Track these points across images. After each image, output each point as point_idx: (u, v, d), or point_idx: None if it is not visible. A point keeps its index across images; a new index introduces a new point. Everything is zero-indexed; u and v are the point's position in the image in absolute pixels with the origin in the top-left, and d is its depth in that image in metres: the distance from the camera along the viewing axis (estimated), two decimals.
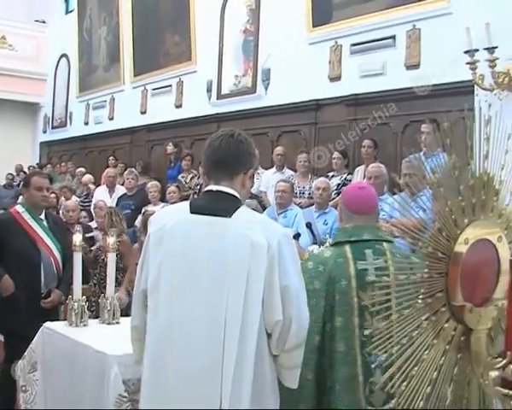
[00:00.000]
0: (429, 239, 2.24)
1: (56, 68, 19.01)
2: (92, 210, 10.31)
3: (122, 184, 11.99)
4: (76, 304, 5.02)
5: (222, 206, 3.01)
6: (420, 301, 2.20)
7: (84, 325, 5.03)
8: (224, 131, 3.18)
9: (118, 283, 6.50)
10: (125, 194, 11.28)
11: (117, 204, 10.60)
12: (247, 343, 2.86)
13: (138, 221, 8.69)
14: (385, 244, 3.61)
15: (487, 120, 2.33)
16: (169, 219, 3.08)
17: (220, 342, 2.86)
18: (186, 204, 3.16)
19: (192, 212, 3.05)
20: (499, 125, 2.39)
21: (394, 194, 7.84)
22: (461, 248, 2.29)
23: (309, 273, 3.49)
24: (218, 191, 3.07)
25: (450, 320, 2.27)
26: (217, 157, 3.10)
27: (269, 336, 2.97)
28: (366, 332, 3.40)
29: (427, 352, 2.20)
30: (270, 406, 2.99)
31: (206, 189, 3.14)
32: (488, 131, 2.33)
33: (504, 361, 2.05)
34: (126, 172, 11.77)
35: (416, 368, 2.16)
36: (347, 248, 3.60)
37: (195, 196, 10.04)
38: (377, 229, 3.71)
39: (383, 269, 3.37)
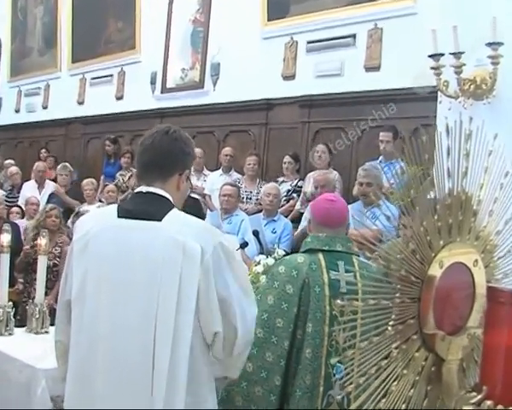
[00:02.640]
0: (402, 261, 2.22)
1: None
2: (24, 207, 10.13)
3: (53, 180, 11.79)
4: (1, 310, 4.90)
5: (152, 209, 2.98)
6: (390, 328, 2.18)
7: (10, 334, 4.92)
8: (158, 128, 3.15)
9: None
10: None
11: (48, 202, 10.35)
12: (179, 353, 2.83)
13: (70, 222, 8.57)
14: (354, 258, 3.79)
15: (468, 134, 2.31)
16: (94, 225, 3.04)
17: (150, 353, 2.82)
18: (113, 208, 3.13)
19: (120, 216, 3.01)
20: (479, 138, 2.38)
21: (347, 203, 7.92)
22: (435, 271, 2.28)
23: (280, 277, 3.67)
24: (148, 193, 3.04)
25: (422, 349, 2.25)
26: (148, 157, 3.08)
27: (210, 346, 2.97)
28: (333, 342, 3.59)
29: (395, 383, 2.18)
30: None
31: (136, 190, 3.12)
32: (468, 147, 2.31)
33: (479, 397, 2.03)
34: (59, 167, 11.64)
35: (383, 400, 2.13)
36: (320, 256, 3.77)
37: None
38: (348, 241, 3.85)
39: (353, 284, 3.46)
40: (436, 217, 2.29)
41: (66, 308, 3.08)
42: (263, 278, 4.11)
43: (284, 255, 4.08)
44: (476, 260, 2.38)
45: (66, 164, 11.73)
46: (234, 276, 2.96)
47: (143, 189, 3.05)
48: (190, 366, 2.84)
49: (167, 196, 3.03)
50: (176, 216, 2.99)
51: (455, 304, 2.36)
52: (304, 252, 3.87)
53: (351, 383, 2.09)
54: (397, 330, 2.20)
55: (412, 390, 2.22)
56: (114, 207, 3.13)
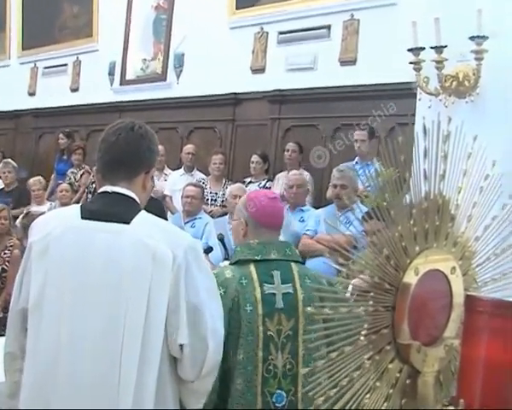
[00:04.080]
0: (376, 268, 2.26)
1: None
2: None
3: None
4: None
5: (119, 210, 2.99)
6: (363, 337, 2.22)
7: None
8: (121, 124, 3.15)
9: None
10: (2, 189, 11.02)
11: None
12: (147, 370, 2.84)
13: (19, 222, 8.54)
14: (293, 265, 3.66)
15: (446, 136, 2.36)
16: (55, 226, 3.03)
17: (116, 374, 2.84)
18: (76, 208, 3.13)
19: (83, 217, 3.01)
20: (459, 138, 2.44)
21: (319, 206, 7.97)
22: (410, 279, 2.30)
23: None
24: (114, 193, 3.05)
25: (396, 361, 2.28)
26: (113, 155, 3.08)
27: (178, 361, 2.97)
28: (270, 367, 3.46)
29: (368, 395, 2.21)
30: None
31: (101, 190, 3.11)
32: (446, 149, 2.36)
33: None
34: (1, 164, 11.50)
35: None
36: (252, 267, 3.62)
37: (90, 197, 9.91)
38: (286, 246, 3.74)
39: (291, 295, 3.46)
40: (412, 222, 2.33)
41: (20, 317, 3.05)
42: None
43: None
44: (454, 268, 2.40)
45: (9, 160, 11.60)
46: (205, 282, 3.00)
47: (108, 188, 3.05)
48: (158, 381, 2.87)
49: (134, 196, 3.05)
50: (144, 219, 3.01)
51: (431, 313, 2.38)
52: (234, 264, 3.72)
53: (321, 396, 2.13)
54: (370, 340, 2.23)
55: (386, 404, 2.25)
56: (77, 207, 3.13)
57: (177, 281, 2.87)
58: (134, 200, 3.05)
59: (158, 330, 2.86)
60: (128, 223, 2.95)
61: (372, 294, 2.26)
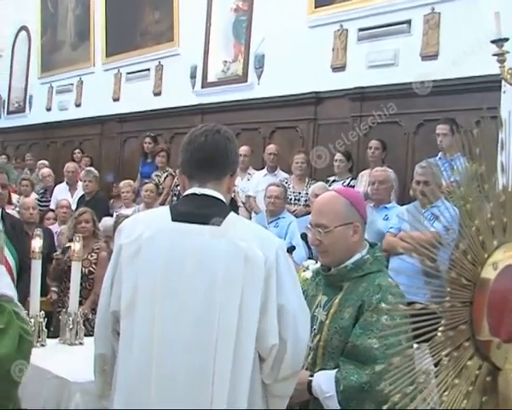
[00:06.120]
0: (452, 263, 2.22)
1: (14, 43, 18.94)
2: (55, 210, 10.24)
3: None
4: (33, 320, 4.98)
5: (209, 212, 2.99)
6: (440, 333, 2.19)
7: (42, 345, 4.99)
8: (206, 126, 3.17)
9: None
10: (83, 196, 11.19)
11: (77, 205, 10.44)
12: (240, 374, 2.86)
13: (103, 225, 8.70)
14: None
15: None
16: (146, 228, 3.03)
17: (209, 372, 2.85)
18: (165, 210, 3.14)
19: (174, 219, 3.02)
20: None
21: (404, 204, 7.88)
22: (488, 273, 2.27)
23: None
24: (203, 195, 3.06)
25: (475, 357, 2.24)
26: (203, 155, 3.08)
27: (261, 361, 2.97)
28: None
29: (446, 393, 2.18)
30: None
31: (189, 192, 3.11)
32: None
33: None
34: (83, 173, 11.64)
35: None
36: None
37: (174, 200, 10.02)
38: None
39: None
40: (489, 215, 2.29)
41: (111, 319, 3.07)
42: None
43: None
44: None
45: (91, 169, 11.74)
46: (293, 286, 3.01)
47: (197, 190, 3.06)
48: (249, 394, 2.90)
49: (222, 198, 3.07)
50: (235, 221, 3.04)
51: None
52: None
53: (397, 393, 2.10)
54: (447, 337, 2.20)
55: (465, 401, 2.22)
56: (166, 209, 3.15)
57: (268, 282, 2.89)
58: (223, 202, 3.07)
59: (250, 333, 2.88)
60: (219, 225, 2.96)
61: (449, 289, 2.23)
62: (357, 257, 3.54)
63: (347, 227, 3.52)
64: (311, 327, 3.33)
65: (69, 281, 7.10)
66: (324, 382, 3.35)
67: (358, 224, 3.55)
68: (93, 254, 7.60)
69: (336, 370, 3.34)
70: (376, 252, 3.60)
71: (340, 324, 3.42)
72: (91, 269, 7.51)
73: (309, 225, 3.63)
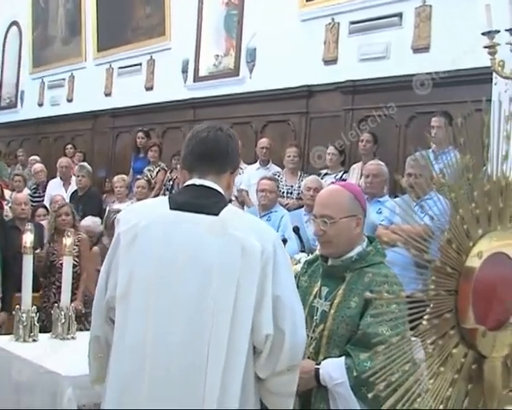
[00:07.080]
0: (437, 251, 2.24)
1: (5, 39, 18.90)
2: (48, 206, 10.21)
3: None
4: (24, 315, 4.98)
5: (208, 202, 3.03)
6: (425, 322, 2.20)
7: (34, 341, 5.00)
8: (209, 124, 3.21)
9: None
10: (76, 192, 11.21)
11: (70, 200, 10.42)
12: (233, 366, 2.88)
13: (92, 220, 8.72)
14: None
15: (508, 116, 2.33)
16: (143, 217, 3.07)
17: (203, 365, 2.87)
18: (163, 199, 3.22)
19: (172, 208, 3.05)
20: None
21: (396, 196, 7.90)
22: (473, 262, 2.27)
23: None
24: (202, 186, 3.09)
25: (460, 345, 2.25)
26: (204, 149, 3.12)
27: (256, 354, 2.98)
28: None
29: (432, 381, 2.20)
30: None
31: (188, 183, 3.14)
32: (508, 129, 2.33)
33: None
34: (76, 168, 11.65)
35: (418, 400, 2.16)
36: None
37: (167, 194, 10.01)
38: None
39: None
40: (473, 204, 2.31)
41: (107, 306, 3.10)
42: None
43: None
44: None
45: (85, 164, 11.76)
46: (290, 276, 3.05)
47: (196, 181, 3.10)
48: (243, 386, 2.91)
49: (221, 190, 3.10)
50: (233, 212, 3.08)
51: (497, 297, 2.34)
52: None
53: (382, 381, 2.12)
54: (432, 325, 2.22)
55: (450, 389, 2.23)
56: (164, 198, 3.22)
57: (265, 273, 2.91)
58: (221, 194, 3.10)
59: (245, 326, 2.89)
60: (217, 215, 2.99)
61: (434, 278, 2.24)
62: (359, 249, 3.62)
63: (351, 219, 3.60)
64: (312, 317, 3.45)
65: (53, 276, 7.23)
66: (334, 369, 3.41)
67: (361, 217, 3.64)
68: (74, 246, 7.62)
69: (344, 357, 3.40)
70: (378, 244, 3.68)
71: (347, 313, 3.48)
72: (74, 262, 7.52)
73: (312, 217, 3.69)
